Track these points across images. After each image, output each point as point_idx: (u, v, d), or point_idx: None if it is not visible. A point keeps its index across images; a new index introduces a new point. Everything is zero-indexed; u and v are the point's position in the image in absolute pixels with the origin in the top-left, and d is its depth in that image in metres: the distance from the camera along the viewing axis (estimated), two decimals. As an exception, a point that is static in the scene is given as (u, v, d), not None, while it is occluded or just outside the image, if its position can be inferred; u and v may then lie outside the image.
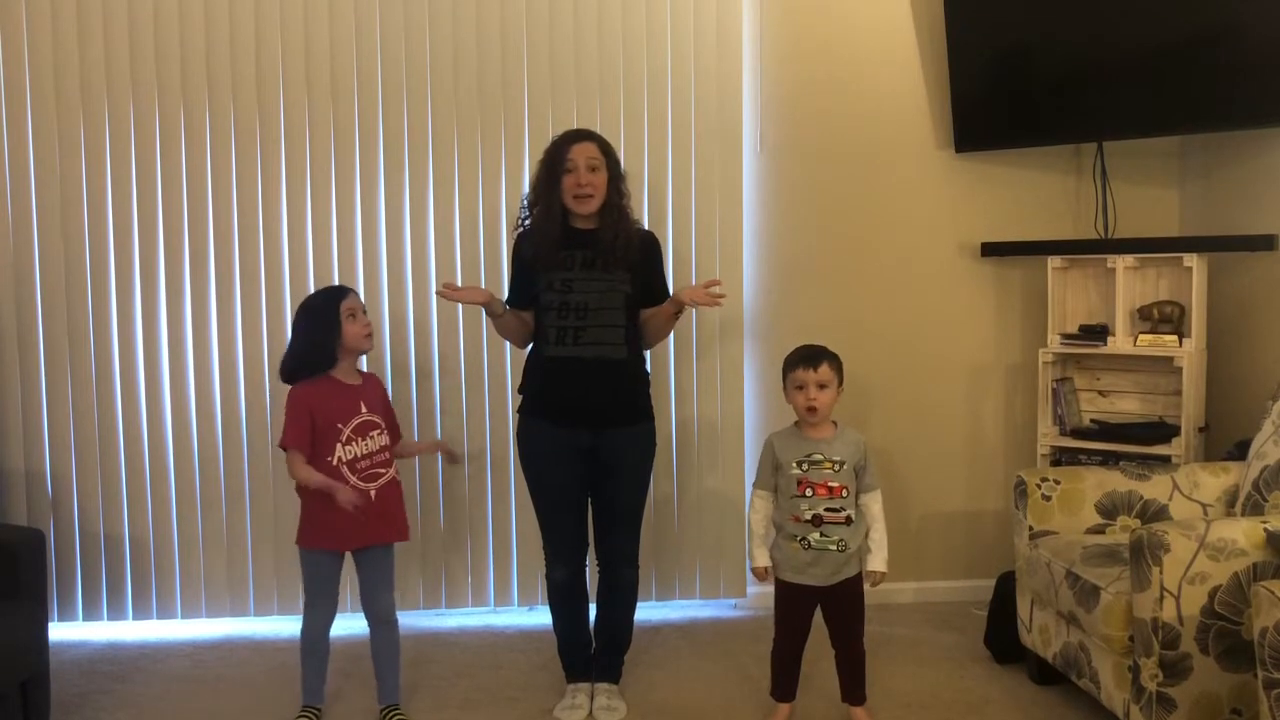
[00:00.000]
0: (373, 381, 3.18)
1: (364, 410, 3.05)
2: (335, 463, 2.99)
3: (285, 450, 3.02)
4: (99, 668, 3.65)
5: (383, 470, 3.07)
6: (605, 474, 3.20)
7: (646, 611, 4.05)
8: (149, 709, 3.33)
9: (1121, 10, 3.72)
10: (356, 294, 3.12)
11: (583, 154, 3.09)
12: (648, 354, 3.43)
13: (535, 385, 3.21)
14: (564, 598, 3.28)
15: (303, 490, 3.03)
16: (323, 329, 3.02)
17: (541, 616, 4.02)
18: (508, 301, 3.25)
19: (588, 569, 3.33)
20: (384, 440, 3.09)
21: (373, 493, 3.03)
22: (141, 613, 4.00)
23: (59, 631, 3.77)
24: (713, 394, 4.10)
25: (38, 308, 3.91)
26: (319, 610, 3.09)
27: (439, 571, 4.08)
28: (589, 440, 3.15)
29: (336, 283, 3.93)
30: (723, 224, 4.07)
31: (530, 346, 3.28)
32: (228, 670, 3.62)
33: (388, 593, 3.15)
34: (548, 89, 3.98)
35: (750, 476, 4.16)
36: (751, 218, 4.13)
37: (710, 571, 4.16)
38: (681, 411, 4.10)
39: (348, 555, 3.14)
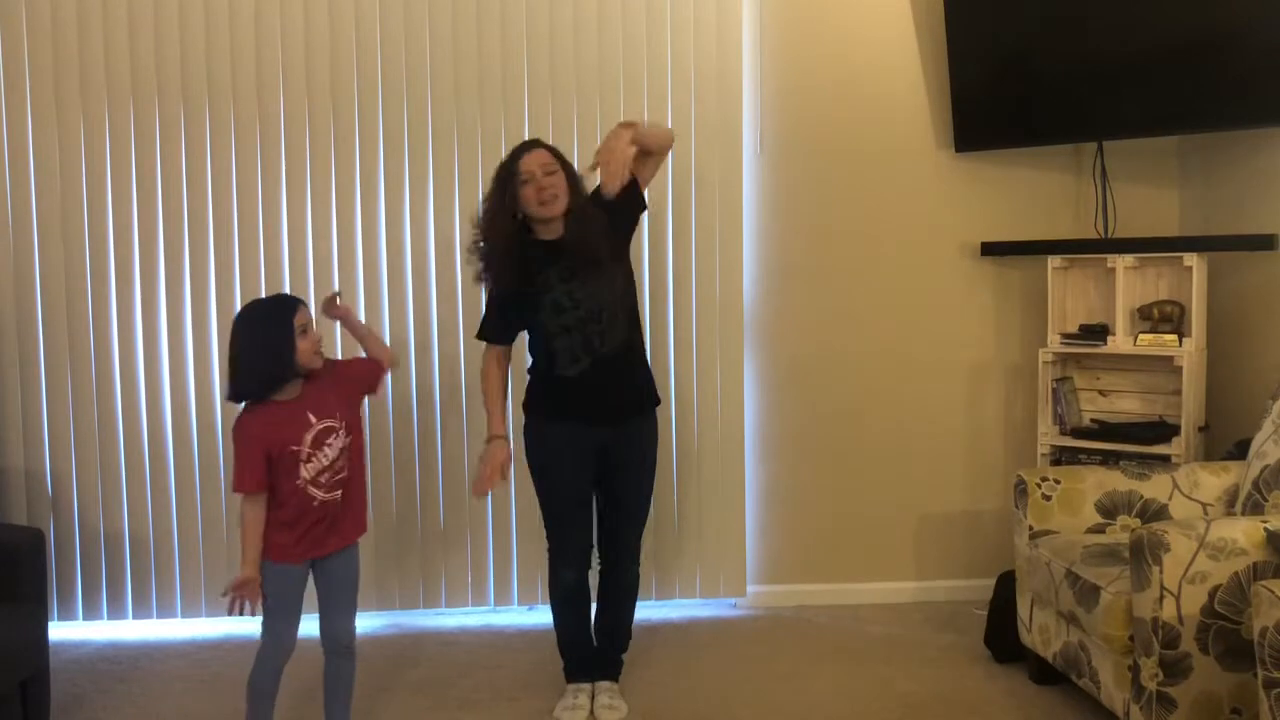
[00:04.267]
0: (320, 382, 2.81)
1: (313, 420, 2.75)
2: (301, 484, 2.74)
3: (241, 494, 2.73)
4: (99, 667, 3.65)
5: (342, 473, 2.81)
6: (618, 469, 3.17)
7: (646, 611, 4.05)
8: (149, 709, 3.33)
9: (1121, 10, 3.72)
10: (305, 305, 2.79)
11: (535, 161, 3.02)
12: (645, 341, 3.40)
13: (547, 400, 3.17)
14: (569, 599, 3.25)
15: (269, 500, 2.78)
16: (276, 344, 2.71)
17: (541, 616, 4.02)
18: (488, 338, 3.20)
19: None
20: (343, 441, 2.79)
21: (340, 497, 2.81)
22: (141, 612, 4.00)
23: (59, 631, 3.77)
24: (713, 393, 4.10)
25: (38, 308, 3.91)
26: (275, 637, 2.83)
27: (439, 571, 4.08)
28: (606, 437, 3.12)
29: (336, 284, 3.96)
30: (723, 224, 4.07)
31: (532, 374, 3.21)
32: (228, 670, 3.62)
33: (349, 617, 2.89)
34: (548, 89, 3.98)
35: (750, 476, 4.18)
36: (751, 218, 4.13)
37: (710, 571, 4.16)
38: (682, 411, 4.10)
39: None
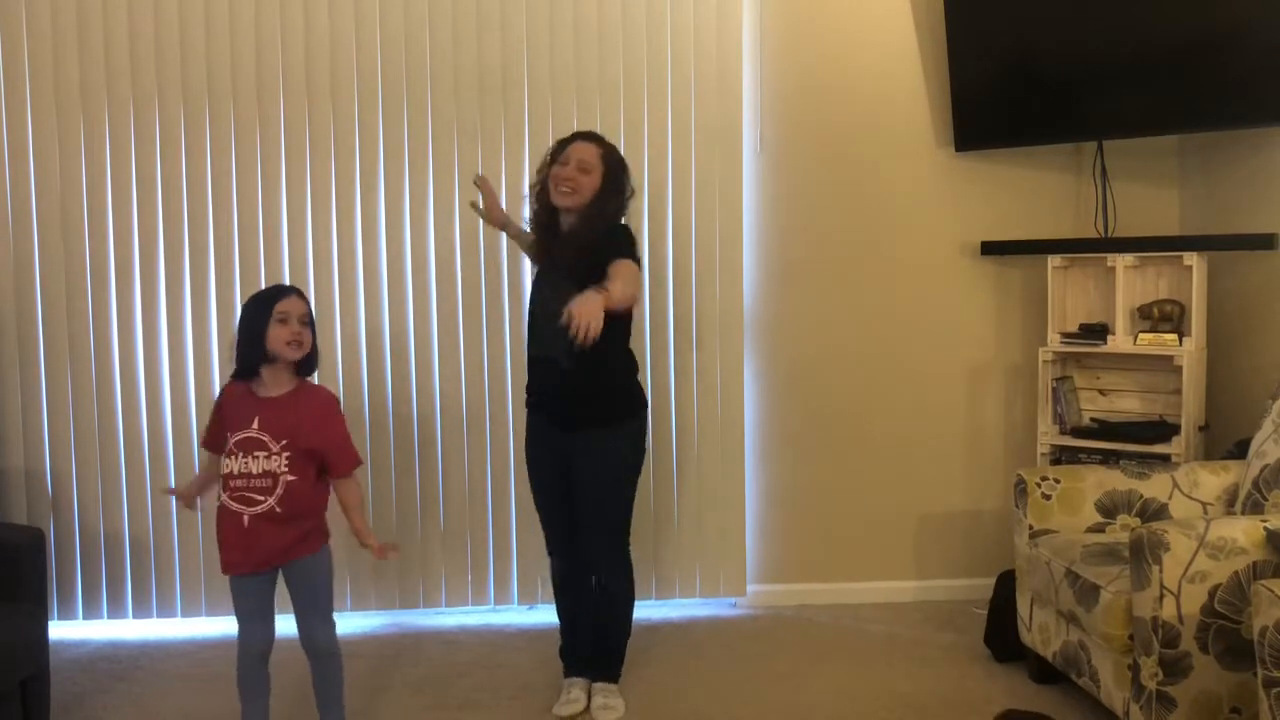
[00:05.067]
0: (299, 400, 2.79)
1: (254, 426, 2.74)
2: (223, 472, 2.76)
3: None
4: (99, 666, 3.65)
5: (260, 498, 2.72)
6: (576, 479, 3.16)
7: (647, 611, 4.05)
8: (149, 708, 3.33)
9: (1121, 10, 3.72)
10: (301, 298, 2.81)
11: (578, 152, 3.07)
12: (642, 354, 3.40)
13: (530, 391, 3.26)
14: (557, 587, 3.32)
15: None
16: (251, 327, 2.77)
17: (541, 616, 4.03)
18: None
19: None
20: (271, 465, 2.72)
21: (246, 518, 2.72)
22: (141, 611, 4.00)
23: (59, 630, 3.78)
24: (713, 393, 4.10)
25: (38, 308, 3.91)
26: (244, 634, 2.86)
27: (439, 571, 4.08)
28: (567, 442, 3.14)
29: (336, 284, 3.96)
30: (723, 224, 4.07)
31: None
32: (228, 669, 3.57)
33: (320, 621, 2.88)
34: (548, 90, 3.98)
35: (751, 476, 4.18)
36: (751, 218, 4.13)
37: (710, 571, 4.16)
38: (681, 411, 4.10)
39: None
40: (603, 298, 2.76)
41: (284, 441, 2.74)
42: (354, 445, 2.86)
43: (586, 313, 2.69)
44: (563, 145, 3.13)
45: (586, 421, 3.11)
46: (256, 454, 2.73)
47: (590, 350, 2.87)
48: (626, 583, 3.25)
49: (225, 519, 2.77)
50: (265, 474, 2.73)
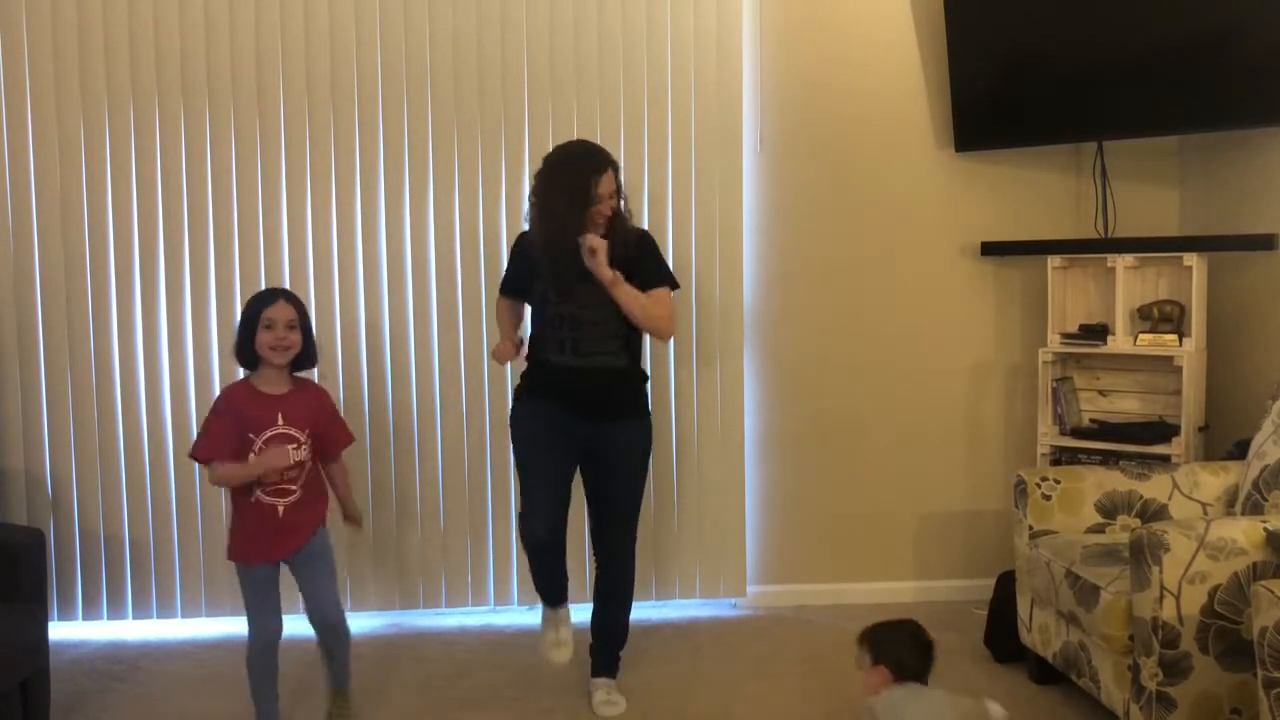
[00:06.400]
0: (305, 393, 3.01)
1: (280, 422, 2.90)
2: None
3: (195, 461, 2.97)
4: (99, 667, 3.65)
5: (292, 487, 2.92)
6: (601, 468, 3.20)
7: (646, 611, 4.05)
8: (149, 709, 3.33)
9: (1121, 10, 3.72)
10: (290, 302, 2.95)
11: (608, 187, 3.09)
12: (646, 354, 3.44)
13: (535, 383, 3.24)
14: (542, 552, 3.15)
15: (235, 501, 2.96)
16: (241, 331, 2.93)
17: (540, 616, 4.01)
18: (501, 288, 3.39)
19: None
20: (300, 455, 2.91)
21: (280, 508, 2.91)
22: (141, 612, 4.00)
23: (59, 631, 3.77)
24: (713, 393, 4.10)
25: (38, 308, 3.91)
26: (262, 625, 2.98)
27: (439, 571, 4.08)
28: (584, 430, 3.15)
29: (336, 283, 3.96)
30: (723, 224, 4.07)
31: (527, 349, 3.30)
32: (228, 670, 3.61)
33: (334, 590, 3.07)
34: (547, 90, 3.98)
35: (751, 477, 4.18)
36: (751, 218, 4.13)
37: (710, 571, 4.16)
38: (681, 411, 4.10)
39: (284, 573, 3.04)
40: (620, 284, 3.08)
41: (307, 431, 2.94)
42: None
43: (596, 259, 3.02)
44: (589, 180, 3.05)
45: (619, 411, 3.19)
46: (287, 447, 2.90)
47: (610, 357, 3.12)
48: (632, 572, 3.29)
49: (255, 514, 2.92)
50: (295, 464, 2.91)
